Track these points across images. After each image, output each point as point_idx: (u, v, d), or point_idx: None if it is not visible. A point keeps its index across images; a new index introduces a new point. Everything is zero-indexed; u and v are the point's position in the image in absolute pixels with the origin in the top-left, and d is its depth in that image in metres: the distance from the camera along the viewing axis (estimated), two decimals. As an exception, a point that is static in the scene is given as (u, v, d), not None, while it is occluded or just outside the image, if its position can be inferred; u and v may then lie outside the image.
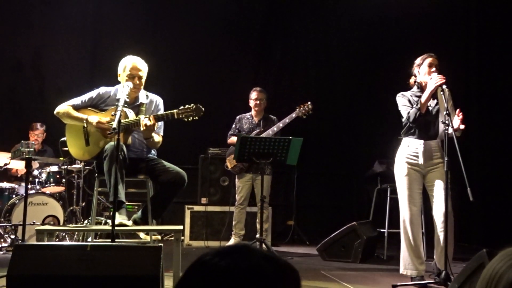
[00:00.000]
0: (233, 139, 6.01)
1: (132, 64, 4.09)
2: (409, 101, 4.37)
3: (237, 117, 6.17)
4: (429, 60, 4.32)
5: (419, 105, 4.21)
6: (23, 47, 7.75)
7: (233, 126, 6.14)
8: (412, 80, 4.49)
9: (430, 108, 4.32)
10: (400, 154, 4.40)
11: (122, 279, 2.52)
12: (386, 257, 5.83)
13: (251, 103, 6.10)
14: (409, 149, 4.34)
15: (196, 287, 0.81)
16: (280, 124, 5.79)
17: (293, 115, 5.73)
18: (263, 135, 5.72)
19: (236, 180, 6.07)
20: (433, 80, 4.15)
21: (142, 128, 3.87)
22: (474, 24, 7.76)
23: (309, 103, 5.73)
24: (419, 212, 4.38)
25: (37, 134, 6.71)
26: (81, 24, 7.86)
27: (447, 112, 4.06)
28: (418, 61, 4.40)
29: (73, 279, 2.50)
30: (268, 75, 8.35)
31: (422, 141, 4.30)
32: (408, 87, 4.51)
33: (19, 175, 6.52)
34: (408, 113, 4.27)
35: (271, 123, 5.97)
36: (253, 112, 6.12)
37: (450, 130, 3.99)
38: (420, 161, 4.29)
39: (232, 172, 6.20)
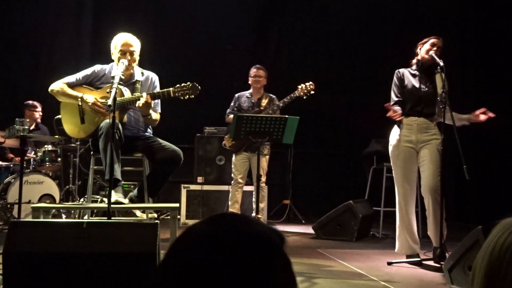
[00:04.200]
0: (231, 117, 5.93)
1: (122, 40, 4.04)
2: (402, 79, 4.39)
3: (236, 95, 6.06)
4: (433, 40, 4.35)
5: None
6: (17, 25, 7.66)
7: (232, 104, 6.04)
8: (414, 60, 4.50)
9: (423, 88, 4.32)
10: (395, 132, 4.42)
11: (118, 256, 2.52)
12: (382, 235, 5.88)
13: (250, 81, 6.01)
14: (403, 126, 4.35)
15: (184, 251, 0.84)
16: (280, 104, 5.72)
17: (294, 94, 5.65)
18: (263, 113, 5.67)
19: (233, 158, 6.00)
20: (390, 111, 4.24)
21: (137, 105, 3.85)
22: (472, 5, 7.71)
23: (310, 82, 5.63)
24: (414, 191, 4.40)
25: (39, 111, 6.67)
26: (76, 2, 7.76)
27: (444, 90, 4.06)
28: (423, 40, 4.41)
29: (69, 256, 2.49)
30: (266, 55, 8.30)
31: (416, 118, 4.32)
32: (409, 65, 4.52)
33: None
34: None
35: (271, 102, 5.90)
36: (252, 90, 6.03)
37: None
38: (414, 137, 4.30)
39: (229, 151, 6.16)
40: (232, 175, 5.99)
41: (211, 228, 0.85)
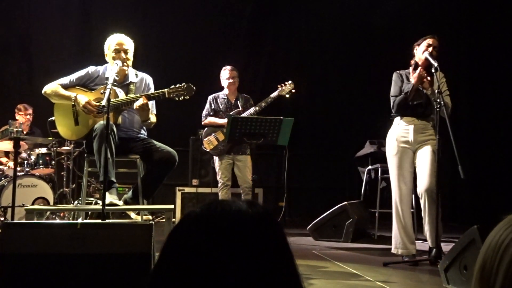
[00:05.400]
0: (211, 119, 5.81)
1: (116, 40, 4.04)
2: (402, 80, 4.40)
3: (210, 97, 5.90)
4: (428, 40, 4.35)
5: (405, 95, 4.27)
6: (11, 29, 7.64)
7: (207, 106, 5.89)
8: (412, 61, 4.51)
9: (420, 89, 4.33)
10: (392, 132, 4.44)
11: (113, 257, 2.50)
12: (377, 236, 5.87)
13: (224, 83, 5.85)
14: (400, 127, 4.37)
15: (182, 235, 0.89)
16: (263, 104, 5.68)
17: (275, 94, 5.64)
18: (244, 114, 5.63)
19: (217, 161, 5.88)
20: (414, 76, 4.24)
21: (135, 107, 3.83)
22: (466, 3, 7.75)
23: (290, 82, 5.64)
24: (410, 191, 4.41)
25: (29, 114, 6.64)
26: (69, 4, 7.75)
27: (439, 90, 4.08)
28: (419, 41, 4.42)
29: (64, 257, 2.47)
30: (260, 57, 8.30)
31: (413, 119, 4.34)
32: (408, 66, 4.52)
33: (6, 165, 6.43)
34: (394, 100, 4.36)
35: (247, 102, 5.86)
36: (226, 92, 5.89)
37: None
38: (410, 137, 4.32)
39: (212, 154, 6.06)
40: (219, 178, 5.82)
41: (204, 212, 0.89)
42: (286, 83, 5.62)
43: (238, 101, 5.84)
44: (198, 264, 0.83)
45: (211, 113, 5.83)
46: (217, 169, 5.85)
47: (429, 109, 4.34)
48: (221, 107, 5.83)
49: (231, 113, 5.66)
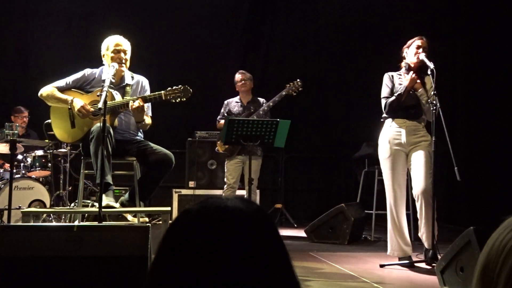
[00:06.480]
0: (222, 122, 5.92)
1: (115, 41, 4.07)
2: (392, 81, 4.41)
3: (225, 101, 6.06)
4: (418, 42, 4.35)
5: (398, 96, 4.28)
6: (7, 31, 7.63)
7: (222, 110, 6.05)
8: (403, 63, 4.51)
9: (411, 91, 4.34)
10: (383, 135, 4.42)
11: (110, 259, 2.50)
12: (374, 238, 5.88)
13: (237, 87, 6.02)
14: (392, 129, 4.36)
15: (179, 231, 0.91)
16: (270, 103, 5.73)
17: (283, 93, 5.67)
18: (255, 115, 5.68)
19: (226, 162, 5.94)
20: (407, 79, 4.26)
21: (131, 109, 3.83)
22: (461, 4, 7.77)
23: (298, 80, 5.68)
24: (403, 193, 4.39)
25: (25, 116, 6.64)
26: (65, 7, 7.75)
27: (434, 92, 4.09)
28: (408, 43, 4.42)
29: (60, 260, 2.47)
30: (256, 59, 8.31)
31: (405, 120, 4.33)
32: (399, 68, 4.53)
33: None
34: (386, 102, 4.35)
35: (260, 105, 5.90)
36: (240, 95, 6.04)
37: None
38: (403, 139, 4.31)
39: (220, 155, 6.12)
40: (225, 179, 5.90)
41: (201, 209, 0.91)
42: (294, 81, 5.67)
43: (250, 104, 5.92)
44: (195, 261, 0.85)
45: (225, 116, 5.92)
46: (226, 170, 5.91)
47: (420, 110, 4.35)
48: (233, 110, 5.95)
49: (241, 115, 5.74)
